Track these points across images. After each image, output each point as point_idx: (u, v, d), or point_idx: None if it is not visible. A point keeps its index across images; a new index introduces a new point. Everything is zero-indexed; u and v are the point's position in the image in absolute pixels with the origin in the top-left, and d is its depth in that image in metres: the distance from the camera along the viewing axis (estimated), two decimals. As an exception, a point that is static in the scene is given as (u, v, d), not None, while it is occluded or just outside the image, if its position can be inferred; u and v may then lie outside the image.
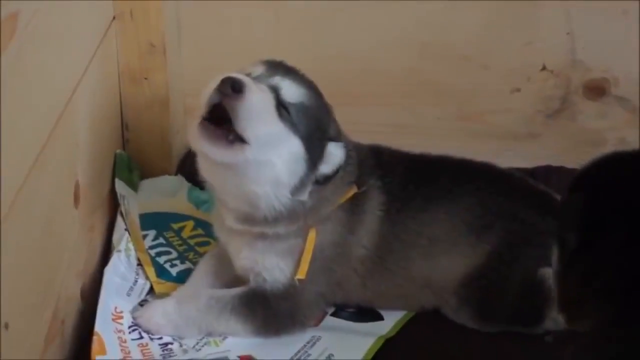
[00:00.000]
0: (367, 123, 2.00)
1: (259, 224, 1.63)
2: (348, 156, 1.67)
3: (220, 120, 1.55)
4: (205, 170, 1.64)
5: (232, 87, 1.53)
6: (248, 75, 1.60)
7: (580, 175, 1.32)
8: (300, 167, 1.59)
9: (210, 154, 1.57)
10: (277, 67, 1.63)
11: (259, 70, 1.63)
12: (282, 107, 1.58)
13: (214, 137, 1.55)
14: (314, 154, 1.60)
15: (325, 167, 1.62)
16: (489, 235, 1.68)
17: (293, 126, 1.59)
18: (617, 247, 1.23)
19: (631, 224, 1.22)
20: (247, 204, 1.61)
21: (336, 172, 1.63)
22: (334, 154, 1.62)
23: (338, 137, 1.66)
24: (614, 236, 1.23)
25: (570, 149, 2.05)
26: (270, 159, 1.56)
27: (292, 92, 1.60)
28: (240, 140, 1.54)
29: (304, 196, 1.61)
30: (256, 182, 1.58)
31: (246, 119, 1.53)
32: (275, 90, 1.59)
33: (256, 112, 1.53)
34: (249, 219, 1.64)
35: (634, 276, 1.21)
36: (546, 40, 2.00)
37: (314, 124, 1.61)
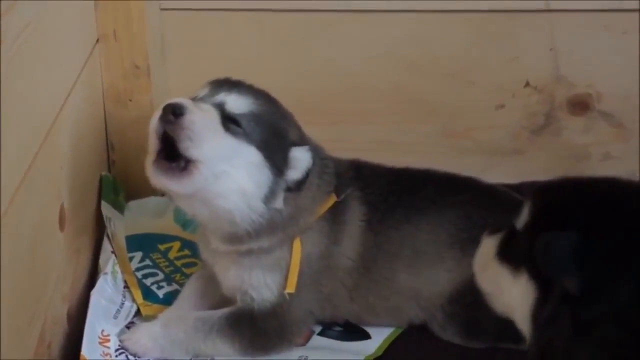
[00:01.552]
0: (353, 141, 2.01)
1: (243, 241, 1.63)
2: (324, 165, 1.69)
3: (176, 152, 1.56)
4: (177, 202, 1.66)
5: (173, 112, 1.54)
6: (194, 98, 1.61)
7: (548, 206, 1.24)
8: (264, 175, 1.60)
9: (170, 188, 1.59)
10: (222, 84, 1.65)
11: (204, 91, 1.64)
12: (229, 120, 1.59)
13: (168, 171, 1.56)
14: (277, 160, 1.60)
15: (294, 173, 1.62)
16: (475, 248, 1.68)
17: (246, 136, 1.59)
18: (626, 298, 1.14)
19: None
20: (226, 223, 1.61)
21: (306, 176, 1.63)
22: (300, 158, 1.62)
23: (301, 141, 1.65)
24: (621, 286, 1.15)
25: (555, 165, 2.05)
26: (226, 170, 1.57)
27: (238, 103, 1.61)
28: (193, 162, 1.55)
29: (279, 204, 1.61)
30: (222, 197, 1.58)
31: (188, 139, 1.54)
32: (220, 106, 1.60)
33: (197, 130, 1.54)
34: (233, 238, 1.64)
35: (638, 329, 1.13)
36: (530, 57, 2.01)
37: (269, 130, 1.61)
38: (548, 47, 2.00)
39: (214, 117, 1.59)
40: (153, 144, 1.58)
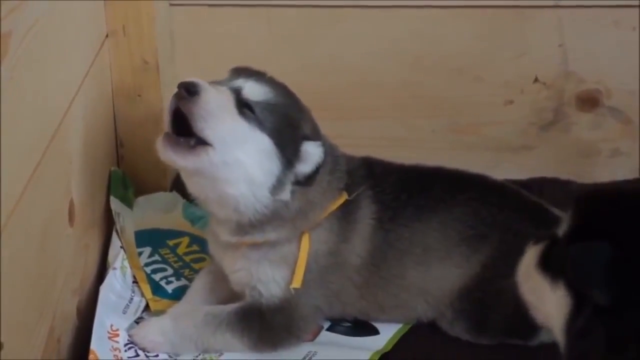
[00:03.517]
0: (360, 136, 2.01)
1: (250, 231, 1.63)
2: (336, 162, 1.69)
3: (187, 130, 1.56)
4: (185, 181, 1.65)
5: (187, 90, 1.54)
6: (212, 82, 1.61)
7: (587, 216, 1.20)
8: (273, 165, 1.59)
9: (175, 162, 1.58)
10: (242, 71, 1.65)
11: (224, 76, 1.65)
12: (244, 106, 1.59)
13: (176, 145, 1.56)
14: (287, 151, 1.60)
15: (304, 166, 1.62)
16: (483, 245, 1.69)
17: (259, 123, 1.59)
18: None
19: None
20: (231, 209, 1.61)
21: (316, 171, 1.62)
22: (311, 153, 1.62)
23: (315, 136, 1.65)
24: None
25: (564, 161, 2.06)
26: (238, 158, 1.57)
27: (254, 91, 1.61)
28: (204, 143, 1.55)
29: (286, 196, 1.61)
30: (230, 183, 1.58)
31: (202, 119, 1.54)
32: (236, 91, 1.60)
33: (212, 110, 1.55)
34: (240, 228, 1.64)
35: None
36: (538, 52, 2.01)
37: (282, 121, 1.61)
38: (557, 43, 2.00)
39: (229, 98, 1.59)
40: (165, 121, 1.58)
